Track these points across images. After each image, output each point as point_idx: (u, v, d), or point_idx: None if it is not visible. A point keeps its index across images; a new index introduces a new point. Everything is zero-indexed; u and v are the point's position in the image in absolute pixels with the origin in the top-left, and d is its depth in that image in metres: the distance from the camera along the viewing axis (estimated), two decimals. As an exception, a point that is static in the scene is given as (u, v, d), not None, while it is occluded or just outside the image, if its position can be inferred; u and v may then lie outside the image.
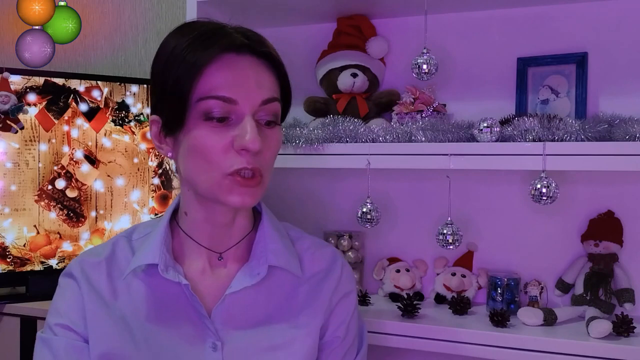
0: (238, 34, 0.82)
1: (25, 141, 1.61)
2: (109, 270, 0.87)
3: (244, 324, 0.85)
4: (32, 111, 1.62)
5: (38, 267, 1.63)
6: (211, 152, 0.78)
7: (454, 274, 1.43)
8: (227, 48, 0.79)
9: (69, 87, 1.66)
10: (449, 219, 1.25)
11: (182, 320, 0.84)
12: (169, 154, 0.85)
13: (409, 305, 1.30)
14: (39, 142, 1.62)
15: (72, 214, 1.66)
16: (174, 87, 0.80)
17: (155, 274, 0.84)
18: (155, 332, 0.83)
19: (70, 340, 0.84)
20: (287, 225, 0.97)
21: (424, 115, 1.36)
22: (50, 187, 1.64)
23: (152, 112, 0.86)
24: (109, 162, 1.71)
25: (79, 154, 1.67)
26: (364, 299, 1.41)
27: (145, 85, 1.74)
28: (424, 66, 1.24)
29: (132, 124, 1.73)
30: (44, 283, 1.63)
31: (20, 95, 1.60)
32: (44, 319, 1.57)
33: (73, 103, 1.66)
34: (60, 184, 1.65)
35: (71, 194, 1.66)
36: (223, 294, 0.85)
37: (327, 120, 1.34)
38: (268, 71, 0.83)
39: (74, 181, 1.66)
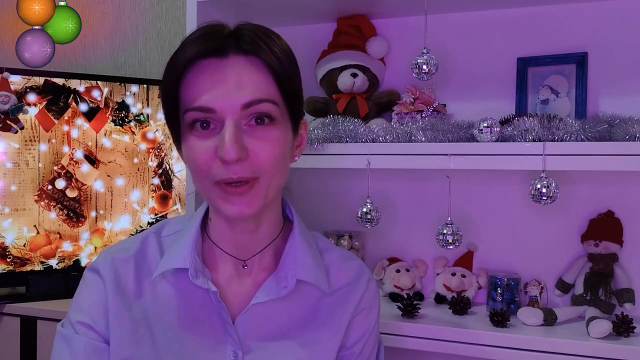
0: (226, 34, 0.78)
1: (25, 141, 1.61)
2: (137, 268, 0.86)
3: (266, 336, 0.84)
4: (32, 111, 1.62)
5: (38, 267, 1.63)
6: (200, 162, 0.76)
7: (454, 274, 1.43)
8: (205, 53, 0.76)
9: (69, 87, 1.66)
10: (449, 219, 1.25)
11: (206, 326, 0.83)
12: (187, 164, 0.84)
13: (409, 305, 1.30)
14: (39, 142, 1.63)
15: (72, 214, 1.66)
16: (165, 99, 0.80)
17: (183, 278, 0.83)
18: (178, 336, 0.82)
19: (91, 340, 0.82)
20: (316, 235, 0.95)
21: (424, 115, 1.36)
22: (50, 187, 1.64)
23: None
24: (109, 162, 1.71)
25: (79, 154, 1.67)
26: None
27: (145, 85, 1.74)
28: (424, 66, 1.24)
29: (132, 124, 1.73)
30: (44, 283, 1.63)
31: (20, 95, 1.60)
32: (44, 319, 1.58)
33: (73, 103, 1.66)
34: (60, 184, 1.65)
35: (71, 194, 1.66)
36: (248, 302, 0.83)
37: (327, 120, 1.35)
38: (258, 69, 0.77)
39: (74, 181, 1.67)
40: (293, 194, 0.98)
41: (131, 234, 1.69)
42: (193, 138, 0.77)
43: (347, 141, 1.31)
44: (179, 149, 0.84)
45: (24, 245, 1.61)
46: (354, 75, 1.47)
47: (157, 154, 1.76)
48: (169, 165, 1.77)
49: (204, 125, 0.76)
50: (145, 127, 1.75)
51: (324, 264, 0.89)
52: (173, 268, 0.83)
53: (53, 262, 1.65)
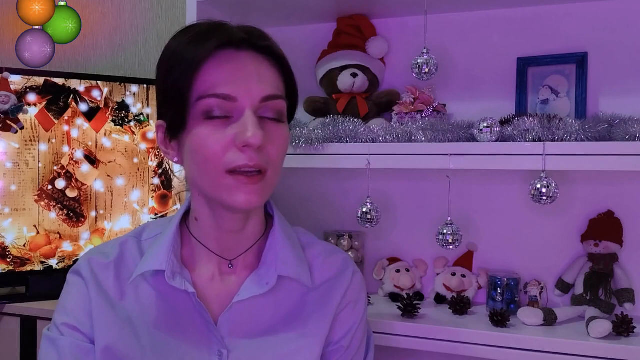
0: (238, 30, 0.80)
1: (25, 141, 1.61)
2: (117, 271, 0.86)
3: (251, 333, 0.84)
4: (32, 111, 1.62)
5: (38, 267, 1.63)
6: (212, 150, 0.76)
7: (454, 274, 1.43)
8: (224, 43, 0.77)
9: (69, 87, 1.66)
10: (449, 219, 1.25)
11: (189, 327, 0.83)
12: (175, 159, 0.84)
13: (409, 305, 1.30)
14: (39, 142, 1.63)
15: (72, 214, 1.66)
16: (174, 87, 0.79)
17: (163, 280, 0.83)
18: (162, 337, 0.83)
19: (77, 341, 0.83)
20: (299, 230, 0.95)
21: (424, 115, 1.36)
22: (50, 187, 1.64)
23: (158, 118, 0.85)
24: (109, 162, 1.71)
25: (79, 154, 1.67)
26: (364, 299, 1.41)
27: (145, 85, 1.74)
28: (424, 66, 1.24)
29: (132, 124, 1.73)
30: (44, 283, 1.63)
31: (20, 95, 1.60)
32: (44, 319, 1.58)
33: (73, 103, 1.66)
34: (60, 184, 1.65)
35: (71, 194, 1.66)
36: (230, 301, 0.83)
37: (327, 120, 1.34)
38: (271, 67, 0.80)
39: (74, 181, 1.67)
40: (292, 194, 0.98)
41: (131, 234, 1.69)
42: (206, 126, 0.76)
43: (347, 141, 1.31)
44: (172, 144, 0.83)
45: (24, 245, 1.61)
46: (354, 75, 1.47)
47: (157, 154, 1.76)
48: (169, 165, 1.77)
49: (219, 112, 0.76)
50: (145, 127, 1.75)
51: (306, 259, 0.89)
52: (151, 270, 0.84)
53: (53, 262, 1.65)
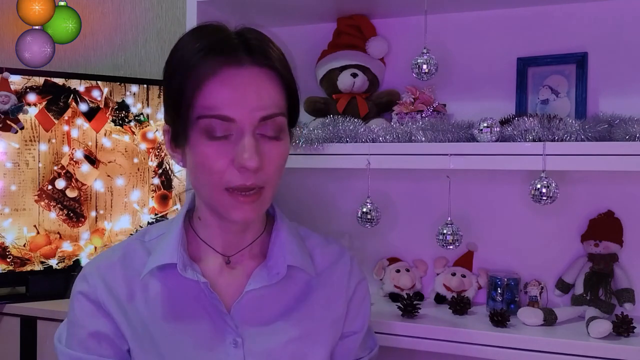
0: (242, 45, 0.80)
1: (25, 141, 1.61)
2: (124, 271, 0.87)
3: (262, 321, 0.87)
4: (32, 111, 1.62)
5: (38, 267, 1.63)
6: (212, 169, 0.78)
7: (454, 274, 1.43)
8: (227, 63, 0.78)
9: (69, 87, 1.66)
10: (449, 219, 1.25)
11: (201, 319, 0.85)
12: (181, 164, 0.86)
13: (409, 305, 1.30)
14: (39, 142, 1.63)
15: (72, 214, 1.66)
16: (176, 100, 0.80)
17: (172, 274, 0.85)
18: (175, 331, 0.84)
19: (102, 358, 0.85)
20: (296, 225, 0.99)
21: (424, 115, 1.36)
22: (50, 187, 1.64)
23: (165, 121, 0.87)
24: (109, 162, 1.71)
25: (79, 154, 1.67)
26: (364, 299, 1.41)
27: (145, 85, 1.74)
28: (424, 66, 1.24)
29: (132, 124, 1.73)
30: (44, 283, 1.64)
31: (20, 95, 1.60)
32: (44, 319, 1.58)
33: (73, 103, 1.66)
34: (60, 184, 1.65)
35: (71, 194, 1.66)
36: (240, 291, 0.86)
37: (327, 120, 1.34)
38: (272, 82, 0.81)
39: (74, 181, 1.67)
40: (292, 194, 0.99)
41: (130, 234, 1.69)
42: (207, 144, 0.78)
43: (347, 141, 1.31)
44: (177, 150, 0.85)
45: (24, 245, 1.61)
46: (354, 75, 1.47)
47: (157, 154, 1.76)
48: (169, 165, 1.77)
49: (219, 132, 0.78)
50: (145, 127, 1.75)
51: (307, 250, 0.94)
52: (161, 264, 0.85)
53: (53, 262, 1.65)
